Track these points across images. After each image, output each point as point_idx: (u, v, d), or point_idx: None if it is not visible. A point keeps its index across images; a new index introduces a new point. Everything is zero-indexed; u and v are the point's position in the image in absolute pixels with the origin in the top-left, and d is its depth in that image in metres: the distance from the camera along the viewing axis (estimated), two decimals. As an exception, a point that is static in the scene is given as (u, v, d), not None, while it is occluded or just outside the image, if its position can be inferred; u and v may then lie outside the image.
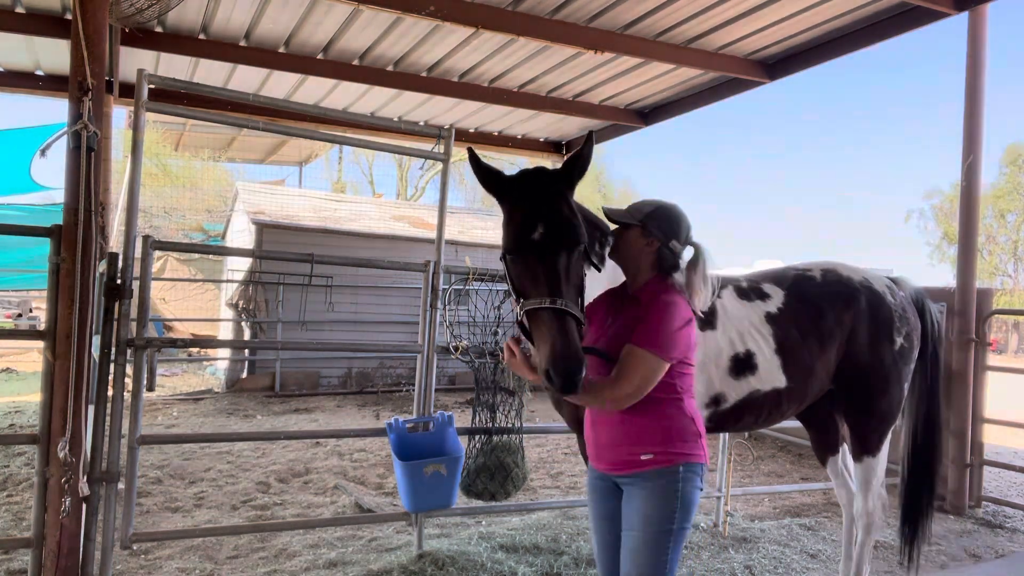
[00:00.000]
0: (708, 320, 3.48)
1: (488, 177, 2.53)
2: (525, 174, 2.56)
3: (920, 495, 4.15)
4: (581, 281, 2.49)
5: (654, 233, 2.66)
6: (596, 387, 2.46)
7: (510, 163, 31.34)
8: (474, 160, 2.53)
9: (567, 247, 2.42)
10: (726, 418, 3.58)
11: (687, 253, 2.70)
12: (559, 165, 2.65)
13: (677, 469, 2.51)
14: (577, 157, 2.55)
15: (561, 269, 2.39)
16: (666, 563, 2.49)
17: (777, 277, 3.88)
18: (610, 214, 2.75)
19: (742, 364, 3.51)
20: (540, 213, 2.42)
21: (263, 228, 12.29)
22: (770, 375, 3.56)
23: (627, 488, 2.62)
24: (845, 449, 4.19)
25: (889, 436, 3.95)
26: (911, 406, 4.15)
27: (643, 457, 2.53)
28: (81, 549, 3.66)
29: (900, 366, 3.87)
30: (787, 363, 3.59)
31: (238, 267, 13.46)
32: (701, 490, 2.59)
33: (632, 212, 2.72)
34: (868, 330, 3.79)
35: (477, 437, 4.44)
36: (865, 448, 3.89)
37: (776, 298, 3.73)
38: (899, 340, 3.86)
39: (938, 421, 4.17)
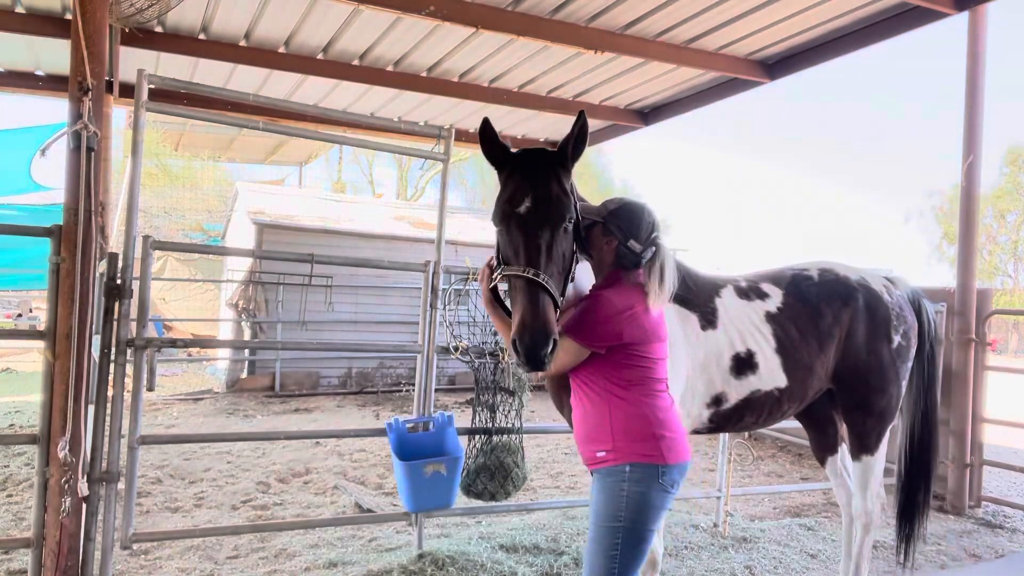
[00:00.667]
0: (710, 320, 3.49)
1: (492, 148, 2.63)
2: (524, 151, 2.64)
3: (917, 493, 4.16)
4: (567, 260, 2.55)
5: (613, 232, 2.70)
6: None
7: (510, 163, 31.40)
8: (485, 128, 2.62)
9: (551, 223, 2.48)
10: (727, 418, 3.59)
11: (651, 252, 2.71)
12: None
13: (623, 469, 2.51)
14: (571, 137, 2.61)
15: (543, 243, 2.46)
16: (616, 558, 2.49)
17: (775, 277, 3.89)
18: (583, 211, 2.78)
19: (743, 363, 3.52)
20: (529, 188, 2.51)
21: (263, 228, 12.28)
22: (771, 374, 3.57)
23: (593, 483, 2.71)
24: (844, 449, 4.19)
25: (887, 435, 3.96)
26: (908, 405, 4.17)
27: (598, 454, 2.59)
28: (81, 549, 3.65)
29: (898, 364, 3.88)
30: (787, 362, 3.60)
31: (238, 267, 13.46)
32: (667, 492, 2.54)
33: (599, 209, 2.76)
34: (866, 329, 3.80)
35: (477, 437, 4.43)
36: (864, 447, 3.89)
37: (775, 297, 3.74)
38: (897, 339, 3.87)
39: (935, 419, 4.19)
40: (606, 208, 2.74)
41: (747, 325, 3.58)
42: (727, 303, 3.60)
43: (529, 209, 2.48)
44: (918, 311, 4.10)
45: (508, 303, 2.63)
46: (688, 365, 3.36)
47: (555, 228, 2.49)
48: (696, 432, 3.69)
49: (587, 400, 2.64)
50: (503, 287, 2.69)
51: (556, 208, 2.50)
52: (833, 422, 4.16)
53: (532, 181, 2.53)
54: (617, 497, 2.51)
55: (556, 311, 2.43)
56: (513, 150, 2.66)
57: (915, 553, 4.22)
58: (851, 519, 4.11)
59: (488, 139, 2.61)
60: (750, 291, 3.73)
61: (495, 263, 2.63)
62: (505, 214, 2.52)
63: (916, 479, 4.16)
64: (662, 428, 2.57)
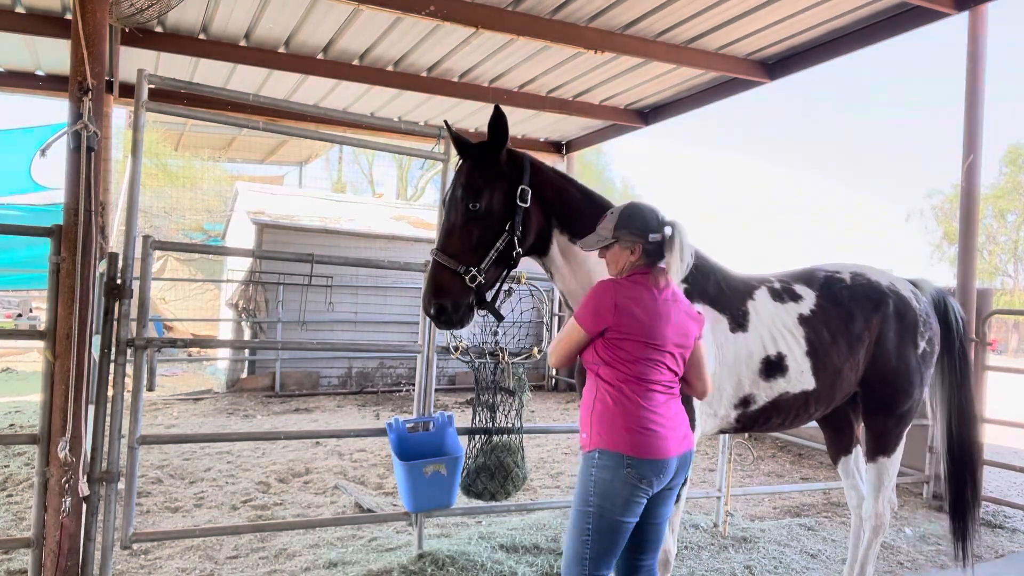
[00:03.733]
0: (740, 322, 3.46)
1: (458, 146, 3.13)
2: (469, 147, 3.10)
3: (964, 489, 4.14)
4: (483, 240, 2.92)
5: (632, 240, 2.75)
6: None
7: (510, 163, 31.38)
8: (453, 135, 3.16)
9: (456, 208, 2.94)
10: (754, 419, 3.57)
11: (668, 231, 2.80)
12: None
13: (593, 454, 2.63)
14: (488, 130, 3.06)
15: (448, 225, 2.95)
16: (587, 543, 2.59)
17: (807, 278, 3.87)
18: (584, 247, 2.92)
19: (773, 366, 3.49)
20: (453, 179, 3.00)
21: (263, 228, 12.28)
22: (800, 377, 3.55)
23: None
24: (859, 451, 4.18)
25: (904, 439, 3.96)
26: (942, 403, 4.17)
27: (582, 437, 2.75)
28: (81, 549, 3.65)
29: (923, 370, 3.90)
30: (817, 365, 3.59)
31: (238, 267, 13.46)
32: (634, 485, 2.55)
33: (603, 234, 2.82)
34: (895, 334, 3.80)
35: (477, 437, 4.43)
36: (882, 448, 3.89)
37: (808, 300, 3.72)
38: (922, 344, 3.88)
39: (972, 414, 4.18)
40: (609, 228, 2.81)
41: (779, 327, 3.55)
42: (760, 306, 3.56)
43: (448, 195, 3.00)
44: (945, 310, 4.11)
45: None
46: (714, 365, 3.33)
47: (459, 212, 2.92)
48: (723, 432, 3.73)
49: (586, 386, 2.81)
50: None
51: (464, 193, 2.92)
52: (850, 423, 4.16)
53: (456, 175, 3.01)
54: (587, 481, 2.63)
55: (468, 283, 2.86)
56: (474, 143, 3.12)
57: (971, 549, 4.18)
58: (861, 521, 4.09)
59: (457, 142, 3.11)
60: (784, 292, 3.70)
61: None
62: (441, 202, 3.10)
63: (961, 475, 4.14)
64: (640, 423, 2.61)
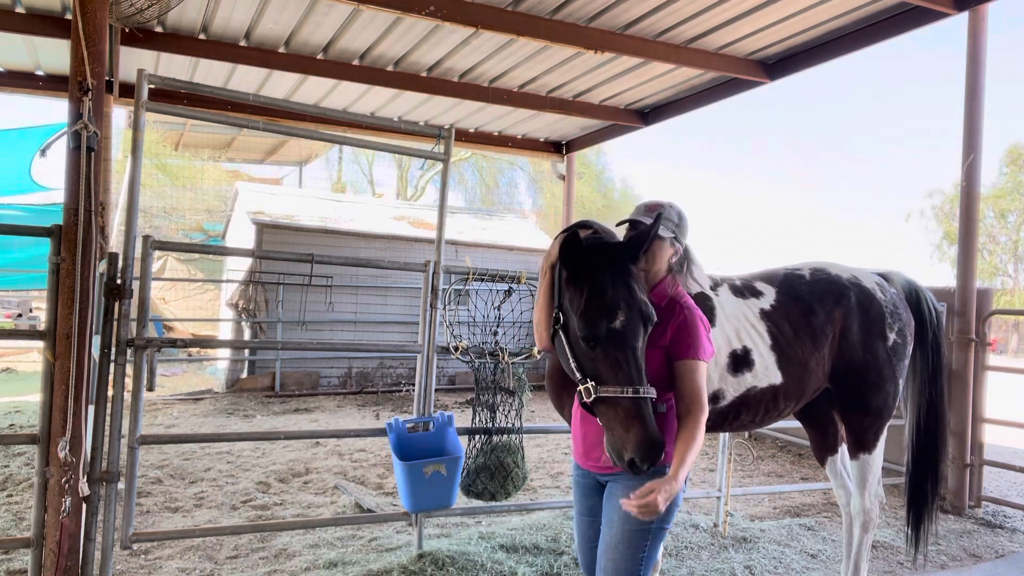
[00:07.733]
0: (708, 319, 3.50)
1: (571, 250, 2.48)
2: (598, 249, 2.50)
3: (924, 482, 4.16)
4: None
5: (679, 241, 2.77)
6: (690, 430, 2.45)
7: (509, 163, 31.34)
8: (574, 239, 2.46)
9: (644, 330, 2.43)
10: (724, 416, 3.59)
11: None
12: (623, 234, 2.69)
13: (664, 469, 2.47)
14: (645, 236, 2.54)
15: (640, 355, 2.39)
16: (641, 560, 2.51)
17: (768, 276, 3.94)
18: (651, 235, 2.63)
19: (740, 361, 3.53)
20: (619, 299, 2.39)
21: (263, 228, 12.29)
22: (766, 371, 3.58)
23: (611, 484, 2.62)
24: (844, 449, 4.19)
25: (885, 433, 3.97)
26: (913, 395, 4.17)
27: None
28: (81, 549, 3.65)
29: (894, 362, 3.89)
30: (781, 359, 3.62)
31: (238, 267, 13.46)
32: (683, 491, 2.54)
33: (665, 224, 2.74)
34: (860, 327, 3.81)
35: (477, 437, 4.43)
36: (861, 445, 3.90)
37: (768, 295, 3.78)
38: (892, 336, 3.88)
39: (941, 409, 4.18)
40: (671, 221, 2.77)
41: (743, 322, 3.61)
42: (723, 301, 3.62)
43: (624, 322, 2.37)
44: (917, 301, 4.10)
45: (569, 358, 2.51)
46: None
47: (646, 333, 2.44)
48: None
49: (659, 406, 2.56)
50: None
51: (647, 312, 2.43)
52: (833, 422, 4.17)
53: (621, 289, 2.41)
54: None
55: None
56: (583, 235, 2.50)
57: (926, 543, 4.18)
58: (851, 519, 4.11)
59: (570, 244, 2.46)
60: (744, 289, 3.76)
61: (573, 370, 2.47)
62: (598, 332, 2.36)
63: (923, 468, 4.16)
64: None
